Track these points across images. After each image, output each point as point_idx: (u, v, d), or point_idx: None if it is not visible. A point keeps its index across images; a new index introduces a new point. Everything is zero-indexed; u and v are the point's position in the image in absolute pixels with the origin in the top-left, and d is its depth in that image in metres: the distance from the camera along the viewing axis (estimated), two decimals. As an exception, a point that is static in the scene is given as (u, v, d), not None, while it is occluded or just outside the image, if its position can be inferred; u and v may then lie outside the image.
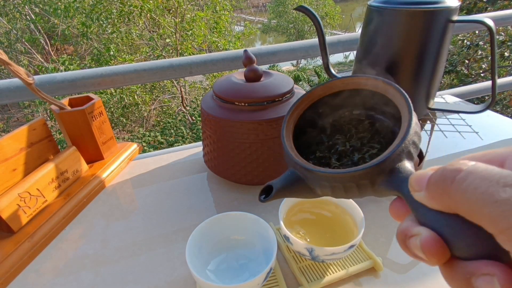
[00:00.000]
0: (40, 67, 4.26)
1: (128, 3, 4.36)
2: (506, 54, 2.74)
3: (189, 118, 4.32)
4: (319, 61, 7.45)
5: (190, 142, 3.63)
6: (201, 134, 0.92)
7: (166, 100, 5.14)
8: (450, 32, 0.46)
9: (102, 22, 4.51)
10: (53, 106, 0.60)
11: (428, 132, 0.56)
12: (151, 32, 5.03)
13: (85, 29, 4.57)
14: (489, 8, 3.11)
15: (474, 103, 1.26)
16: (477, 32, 2.83)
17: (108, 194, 0.61)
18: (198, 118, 4.13)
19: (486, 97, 2.30)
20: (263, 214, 0.45)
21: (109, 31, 4.61)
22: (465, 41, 2.99)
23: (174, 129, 3.91)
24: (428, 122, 0.55)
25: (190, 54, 4.43)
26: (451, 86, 3.19)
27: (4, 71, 4.87)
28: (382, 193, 0.22)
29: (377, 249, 0.45)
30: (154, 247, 0.49)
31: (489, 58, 1.42)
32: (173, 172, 0.66)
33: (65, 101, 0.62)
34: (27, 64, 5.02)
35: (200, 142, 0.72)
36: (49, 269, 0.46)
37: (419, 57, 0.47)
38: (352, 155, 0.28)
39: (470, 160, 0.16)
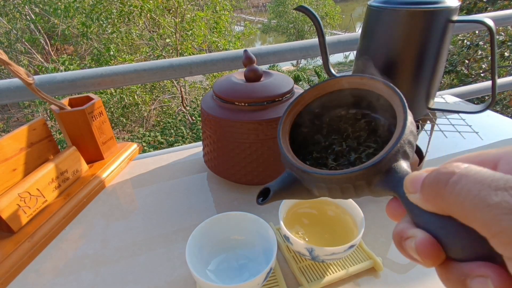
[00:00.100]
0: (40, 67, 4.26)
1: (128, 3, 4.36)
2: (506, 54, 2.74)
3: (189, 118, 4.32)
4: (319, 61, 7.45)
5: (190, 142, 3.63)
6: (201, 134, 0.92)
7: (166, 100, 5.14)
8: (450, 32, 0.46)
9: (102, 22, 4.51)
10: (53, 106, 0.60)
11: (428, 132, 0.56)
12: (151, 32, 5.03)
13: (85, 29, 4.57)
14: (489, 8, 3.11)
15: (474, 103, 1.26)
16: (477, 32, 2.83)
17: (108, 194, 0.61)
18: (198, 118, 4.13)
19: (486, 97, 2.30)
20: (263, 214, 0.45)
21: (109, 31, 4.61)
22: (465, 41, 2.99)
23: (174, 129, 3.91)
24: (428, 122, 0.55)
25: (190, 54, 4.43)
26: (451, 86, 3.19)
27: (4, 71, 4.87)
28: (378, 193, 0.22)
29: (377, 249, 0.45)
30: (154, 247, 0.49)
31: (489, 58, 1.42)
32: (173, 172, 0.66)
33: (65, 101, 0.62)
34: (27, 64, 5.02)
35: (200, 142, 0.72)
36: (49, 269, 0.46)
37: (419, 57, 0.47)
38: (348, 155, 0.28)
39: (464, 161, 0.16)
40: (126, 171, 0.67)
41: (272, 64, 4.06)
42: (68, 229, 0.53)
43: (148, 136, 3.66)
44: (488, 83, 1.22)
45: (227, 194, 0.59)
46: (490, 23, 0.44)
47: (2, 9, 5.18)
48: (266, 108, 0.53)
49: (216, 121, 0.54)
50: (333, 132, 0.30)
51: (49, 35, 5.85)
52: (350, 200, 0.45)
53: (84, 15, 4.63)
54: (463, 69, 3.09)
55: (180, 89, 4.99)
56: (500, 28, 2.72)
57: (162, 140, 3.60)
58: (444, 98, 0.72)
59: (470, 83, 2.95)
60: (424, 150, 0.58)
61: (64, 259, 0.47)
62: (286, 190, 0.26)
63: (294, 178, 0.26)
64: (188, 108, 4.84)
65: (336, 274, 0.41)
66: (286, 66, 8.38)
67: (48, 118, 4.34)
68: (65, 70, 3.86)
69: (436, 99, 0.56)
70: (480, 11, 3.16)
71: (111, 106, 4.41)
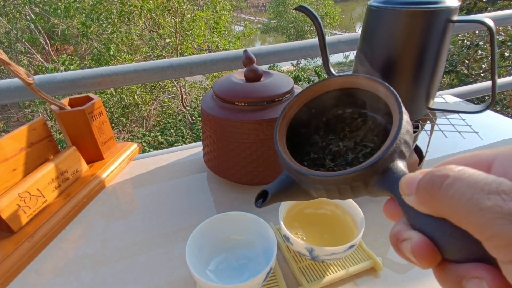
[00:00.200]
0: (40, 67, 4.26)
1: (128, 3, 4.36)
2: (506, 54, 2.74)
3: (189, 118, 4.32)
4: (319, 61, 7.45)
5: (190, 142, 3.63)
6: (201, 134, 0.92)
7: (166, 100, 5.14)
8: (450, 32, 0.46)
9: (102, 22, 4.51)
10: (53, 106, 0.60)
11: (428, 132, 0.56)
12: (151, 32, 5.03)
13: (85, 29, 4.57)
14: (489, 8, 3.11)
15: (474, 103, 1.26)
16: (477, 32, 2.84)
17: (108, 194, 0.61)
18: (198, 118, 4.13)
19: (486, 97, 2.30)
20: (263, 214, 0.45)
21: (109, 31, 4.62)
22: (465, 41, 2.99)
23: (174, 129, 3.91)
24: (428, 122, 0.55)
25: (190, 54, 4.43)
26: (451, 86, 3.19)
27: (4, 71, 4.87)
28: (376, 194, 0.22)
29: (377, 249, 0.45)
30: (154, 247, 0.49)
31: (489, 58, 1.42)
32: (173, 172, 0.66)
33: (65, 101, 0.62)
34: (27, 64, 5.02)
35: (200, 142, 0.72)
36: (49, 269, 0.46)
37: (419, 57, 0.47)
38: (346, 155, 0.28)
39: (459, 162, 0.16)
40: (126, 171, 0.67)
41: (272, 64, 4.06)
42: (68, 229, 0.53)
43: (148, 136, 3.66)
44: (488, 83, 1.22)
45: (227, 194, 0.59)
46: (490, 23, 0.44)
47: (2, 9, 5.18)
48: (266, 108, 0.53)
49: (216, 121, 0.54)
50: (330, 132, 0.30)
51: (49, 35, 5.85)
52: (350, 200, 0.45)
53: (84, 15, 4.63)
54: (463, 69, 3.09)
55: (180, 89, 4.99)
56: (500, 28, 2.72)
57: (162, 140, 3.60)
58: (444, 98, 0.72)
59: (470, 83, 2.95)
60: (424, 150, 0.58)
61: (64, 259, 0.47)
62: (284, 192, 0.26)
63: (292, 180, 0.26)
64: (188, 108, 4.84)
65: (336, 274, 0.41)
66: (286, 66, 8.38)
67: (48, 118, 4.34)
68: (65, 70, 3.86)
69: (436, 99, 0.56)
70: (480, 11, 3.16)
71: (111, 106, 4.41)
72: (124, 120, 4.80)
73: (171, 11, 4.81)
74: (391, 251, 0.45)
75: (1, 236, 0.48)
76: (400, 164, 0.22)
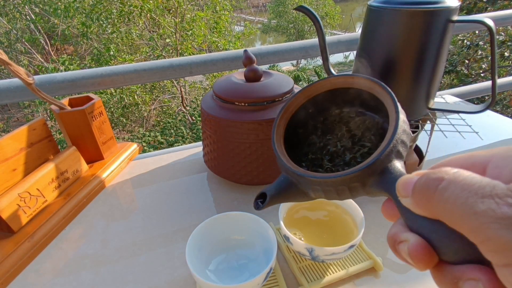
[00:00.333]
0: (40, 67, 4.26)
1: (128, 3, 4.36)
2: (506, 54, 2.74)
3: (189, 118, 4.32)
4: (319, 61, 7.45)
5: (190, 142, 3.63)
6: (201, 134, 0.92)
7: (166, 100, 5.14)
8: (450, 32, 0.46)
9: (102, 22, 4.51)
10: (53, 106, 0.60)
11: (428, 132, 0.56)
12: (151, 32, 5.03)
13: (85, 29, 4.57)
14: (489, 8, 3.11)
15: (474, 103, 1.26)
16: (477, 32, 2.83)
17: (108, 194, 0.61)
18: (198, 118, 4.13)
19: (486, 97, 2.30)
20: (263, 214, 0.45)
21: (109, 31, 4.62)
22: (465, 41, 2.99)
23: (174, 129, 3.91)
24: (428, 122, 0.55)
25: (190, 54, 4.43)
26: (451, 86, 3.19)
27: (4, 71, 4.87)
28: (373, 194, 0.22)
29: (377, 249, 0.45)
30: (154, 247, 0.49)
31: (489, 58, 1.42)
32: (173, 172, 0.66)
33: (65, 101, 0.62)
34: (27, 64, 5.02)
35: (200, 142, 0.72)
36: (49, 269, 0.46)
37: (419, 57, 0.47)
38: (343, 155, 0.28)
39: (455, 163, 0.16)
40: (126, 171, 0.67)
41: (272, 64, 4.06)
42: (68, 229, 0.53)
43: (148, 136, 3.66)
44: (488, 83, 1.22)
45: (227, 194, 0.59)
46: (490, 23, 0.44)
47: (2, 9, 5.18)
48: (266, 108, 0.53)
49: (216, 121, 0.54)
50: (328, 132, 0.30)
51: (49, 35, 5.85)
52: (350, 200, 0.45)
53: (84, 15, 4.63)
54: (463, 69, 3.09)
55: (180, 89, 4.99)
56: (500, 28, 2.72)
57: (162, 140, 3.60)
58: (444, 98, 0.72)
59: (470, 83, 2.95)
60: (424, 150, 0.58)
61: (64, 259, 0.47)
62: (283, 193, 0.26)
63: (290, 182, 0.26)
64: (188, 108, 4.84)
65: (336, 274, 0.41)
66: (286, 66, 8.38)
67: (48, 118, 4.34)
68: (65, 70, 3.86)
69: (436, 99, 0.56)
70: (480, 11, 3.16)
71: (111, 106, 4.41)
72: (124, 120, 4.80)
73: (171, 11, 4.81)
74: (391, 251, 0.45)
75: (1, 236, 0.48)
76: (398, 164, 0.22)
